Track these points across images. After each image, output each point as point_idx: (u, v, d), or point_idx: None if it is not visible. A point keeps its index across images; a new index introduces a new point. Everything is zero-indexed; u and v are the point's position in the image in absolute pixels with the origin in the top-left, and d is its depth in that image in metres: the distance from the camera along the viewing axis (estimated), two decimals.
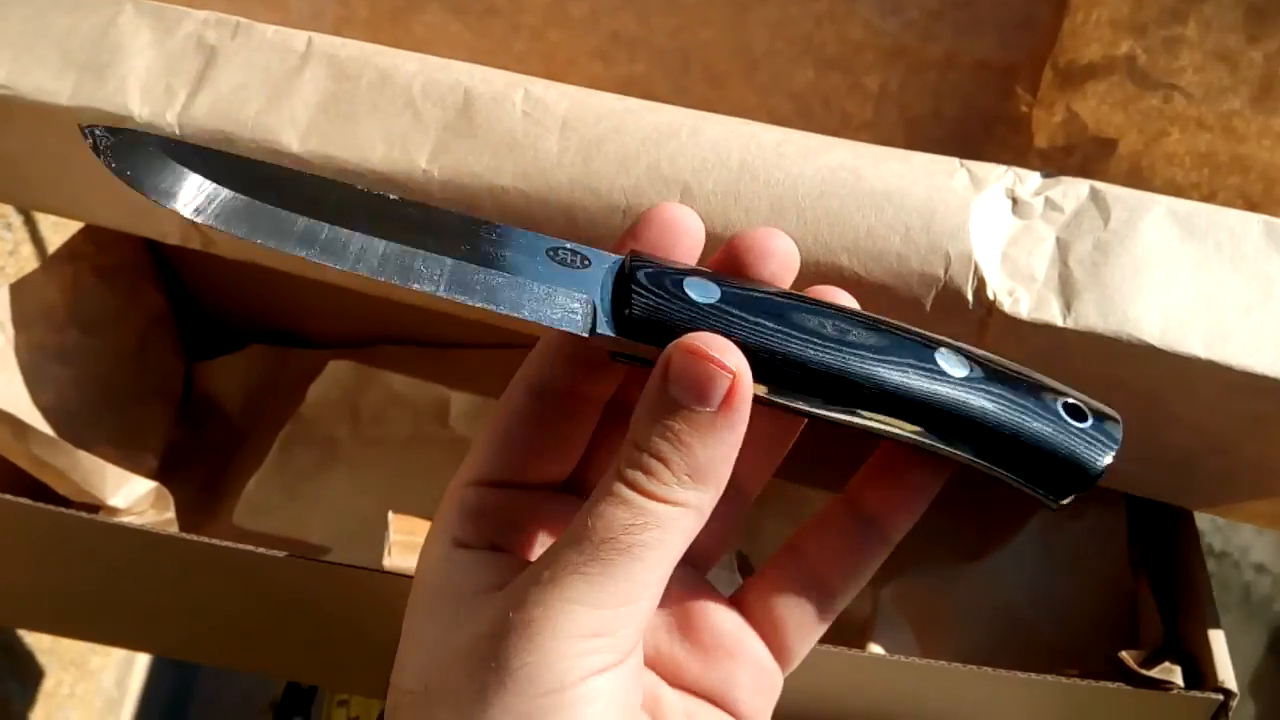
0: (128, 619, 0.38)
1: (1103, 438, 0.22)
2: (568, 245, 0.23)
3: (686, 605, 0.24)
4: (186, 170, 0.22)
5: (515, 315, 0.21)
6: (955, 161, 0.31)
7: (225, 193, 0.21)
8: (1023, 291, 0.29)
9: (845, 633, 0.40)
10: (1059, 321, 0.28)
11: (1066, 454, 0.21)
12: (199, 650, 0.40)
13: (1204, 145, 0.34)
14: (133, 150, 0.22)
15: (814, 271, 0.30)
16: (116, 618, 0.38)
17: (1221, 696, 0.29)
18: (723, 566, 0.38)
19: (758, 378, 0.21)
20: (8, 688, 0.87)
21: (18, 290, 0.38)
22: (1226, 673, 0.29)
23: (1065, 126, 0.36)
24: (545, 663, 0.19)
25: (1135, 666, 0.30)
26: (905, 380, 0.21)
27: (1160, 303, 0.28)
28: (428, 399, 0.44)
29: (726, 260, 0.24)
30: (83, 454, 0.34)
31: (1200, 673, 0.30)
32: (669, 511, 0.20)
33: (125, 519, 0.35)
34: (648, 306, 0.21)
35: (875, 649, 0.33)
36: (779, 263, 0.23)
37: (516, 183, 0.31)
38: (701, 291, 0.21)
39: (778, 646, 0.24)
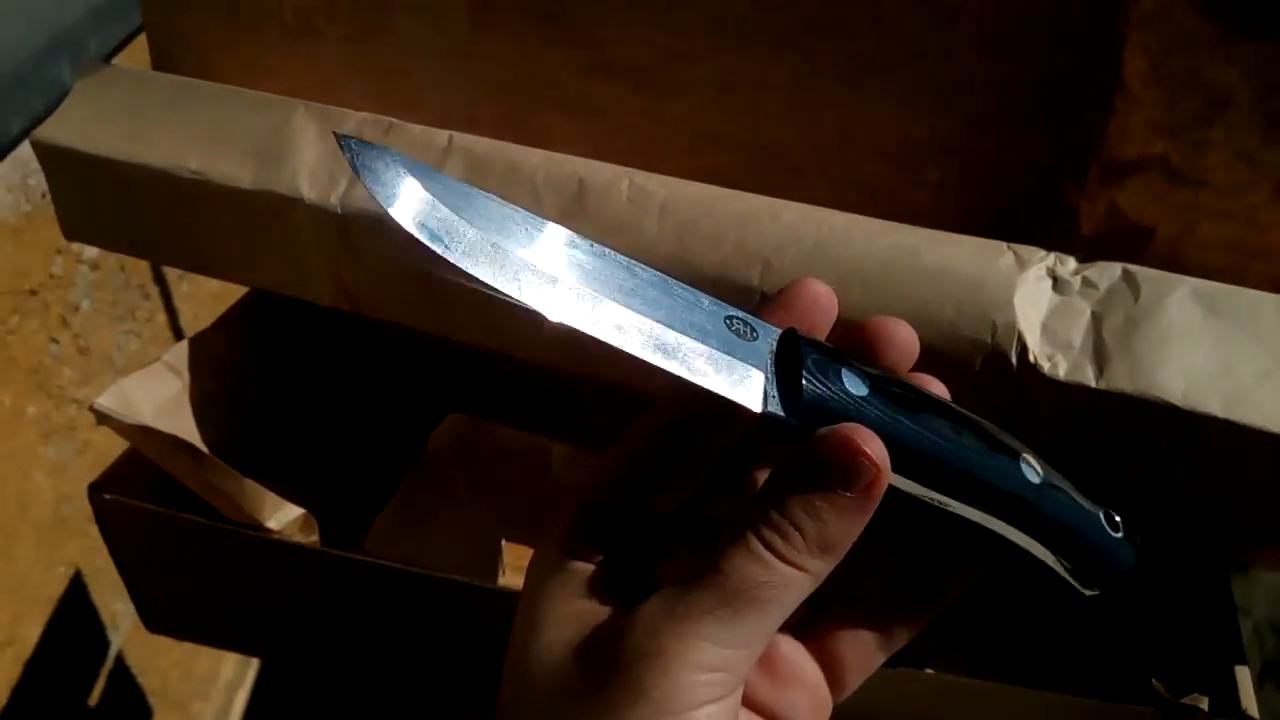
0: (271, 630, 0.43)
1: (1129, 546, 0.26)
2: (739, 315, 0.24)
3: None
4: (417, 181, 0.22)
5: (699, 383, 0.23)
6: (1003, 245, 0.35)
7: (447, 213, 0.22)
8: (1061, 357, 0.33)
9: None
10: (1092, 383, 0.32)
11: (1108, 560, 0.26)
12: (331, 663, 0.45)
13: (1231, 234, 0.37)
14: (375, 156, 0.22)
15: None
16: (261, 628, 0.43)
17: None
18: None
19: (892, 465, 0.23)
20: None
21: (195, 343, 0.45)
22: (1250, 703, 0.32)
23: (1108, 217, 0.40)
24: (674, 686, 0.21)
25: (1166, 694, 0.33)
26: (1000, 481, 0.25)
27: (1183, 369, 0.32)
28: (532, 448, 0.49)
29: (857, 341, 0.26)
30: (248, 481, 0.40)
31: (1226, 703, 0.33)
32: (795, 575, 0.22)
33: (280, 539, 0.41)
34: (815, 395, 0.23)
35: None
36: (900, 351, 0.26)
37: None
38: (855, 384, 0.24)
39: (834, 677, 0.26)
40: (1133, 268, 0.34)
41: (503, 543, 0.38)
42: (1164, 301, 0.33)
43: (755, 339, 0.24)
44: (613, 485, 0.26)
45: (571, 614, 0.24)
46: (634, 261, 0.24)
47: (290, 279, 0.43)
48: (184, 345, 0.44)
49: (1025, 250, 0.35)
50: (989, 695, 0.33)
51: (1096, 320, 0.33)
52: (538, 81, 0.42)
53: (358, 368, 0.54)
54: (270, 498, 0.40)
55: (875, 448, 0.22)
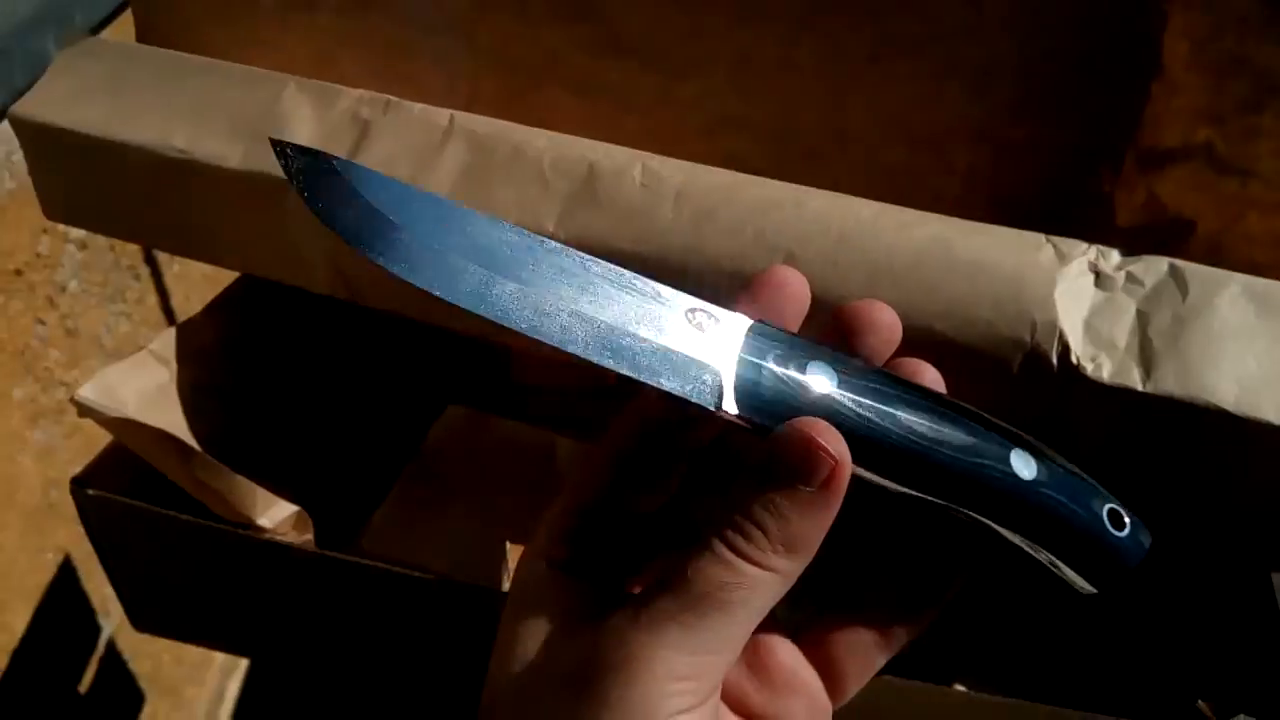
0: (260, 629, 0.41)
1: (1135, 544, 0.24)
2: (704, 307, 0.24)
3: (755, 639, 0.25)
4: (361, 196, 0.23)
5: (651, 383, 0.23)
6: (1041, 237, 0.33)
7: (385, 221, 0.23)
8: (1105, 358, 0.31)
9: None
10: (1139, 386, 0.30)
11: (1109, 557, 0.24)
12: (322, 663, 0.44)
13: None
14: (313, 168, 0.24)
15: (908, 336, 0.32)
16: (250, 628, 0.41)
17: None
18: None
19: (858, 460, 0.23)
20: (110, 713, 0.92)
21: (182, 331, 0.42)
22: None
23: (1146, 208, 0.38)
24: (640, 697, 0.21)
25: (1211, 715, 0.31)
26: (983, 477, 0.23)
27: (1235, 372, 0.30)
28: (535, 442, 0.47)
29: (834, 329, 0.25)
30: (239, 477, 0.38)
31: None
32: (762, 576, 0.22)
33: (272, 538, 0.39)
34: (776, 392, 0.23)
35: (959, 687, 0.35)
36: (881, 338, 0.25)
37: (635, 247, 0.35)
38: (819, 382, 0.23)
39: (832, 683, 0.26)
40: (1180, 263, 0.32)
41: (508, 545, 0.36)
42: (1214, 300, 0.31)
43: (718, 333, 0.24)
44: (594, 490, 0.25)
45: (550, 624, 0.23)
46: (588, 256, 0.24)
47: (284, 266, 0.41)
48: (171, 333, 0.42)
49: (1065, 243, 0.33)
50: (1018, 714, 0.32)
51: (1142, 319, 0.31)
52: (542, 58, 0.40)
53: (355, 357, 0.52)
54: (261, 494, 0.39)
55: (833, 441, 0.22)
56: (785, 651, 0.26)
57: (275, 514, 0.39)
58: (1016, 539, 0.24)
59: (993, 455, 0.24)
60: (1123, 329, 0.31)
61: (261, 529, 0.38)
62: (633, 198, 0.35)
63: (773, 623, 0.26)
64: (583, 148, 0.37)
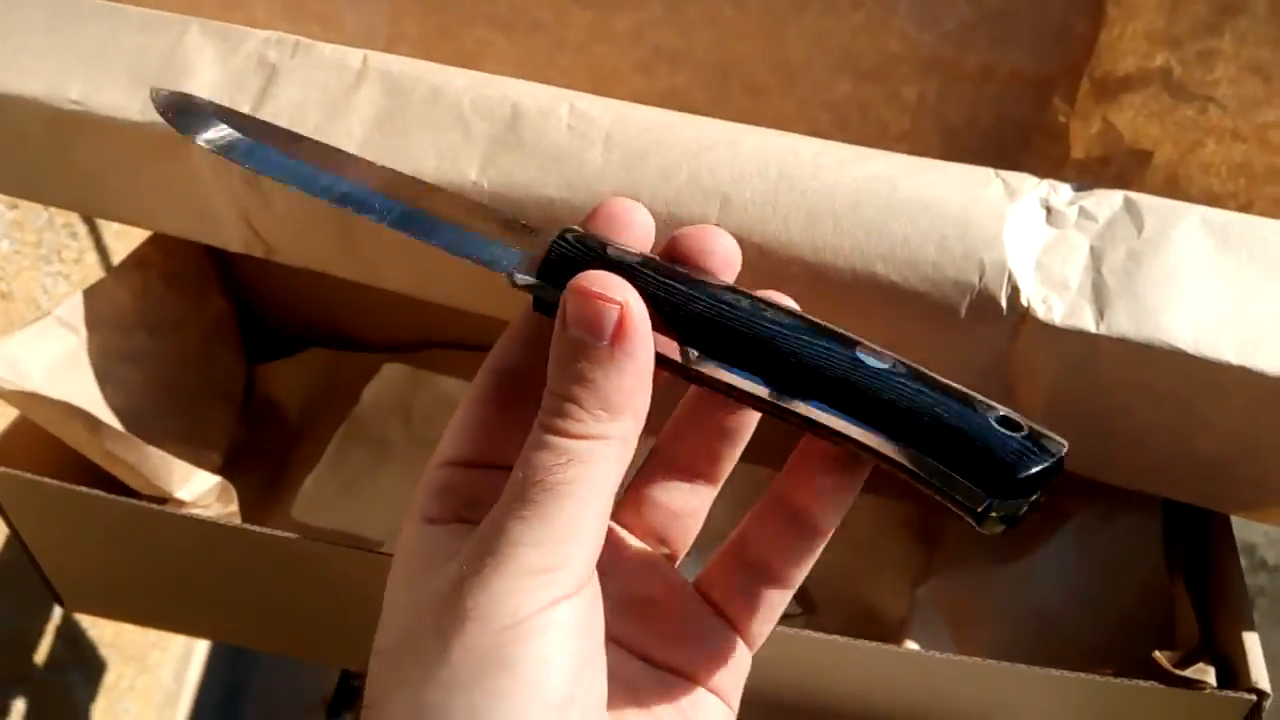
0: (192, 607, 0.40)
1: (1035, 449, 0.20)
2: (525, 222, 0.25)
3: (654, 590, 0.26)
4: (216, 119, 0.28)
5: (446, 250, 0.24)
6: (990, 172, 0.32)
7: (237, 135, 0.27)
8: (1056, 299, 0.29)
9: (884, 630, 0.41)
10: (1092, 328, 0.29)
11: (989, 449, 0.20)
12: (258, 638, 0.42)
13: (1240, 156, 0.34)
14: (183, 105, 0.28)
15: (850, 279, 0.30)
16: (181, 606, 0.40)
17: (1254, 697, 0.29)
18: None
19: (675, 334, 0.22)
20: (70, 679, 0.90)
21: (90, 295, 0.40)
22: (1260, 674, 0.30)
23: (1101, 137, 0.37)
24: (499, 599, 0.20)
25: (1169, 667, 0.30)
26: (822, 361, 0.22)
27: (1193, 310, 0.28)
28: None
29: (671, 256, 0.24)
30: (152, 449, 0.36)
31: (1234, 673, 0.30)
32: (588, 446, 0.21)
33: (191, 511, 0.37)
34: (564, 255, 0.23)
35: (911, 645, 0.34)
36: (719, 260, 0.24)
37: (562, 193, 0.33)
38: (622, 254, 0.23)
39: (738, 627, 0.25)
40: (1135, 196, 0.30)
41: None
42: (1171, 234, 0.29)
43: (533, 235, 0.25)
44: (459, 446, 0.25)
45: (429, 572, 0.22)
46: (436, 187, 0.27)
47: (193, 224, 0.38)
48: (78, 298, 0.40)
49: (1015, 178, 0.31)
50: (988, 672, 0.31)
51: (1096, 256, 0.30)
52: None
53: (278, 315, 0.50)
54: (179, 465, 0.37)
55: (614, 289, 0.21)
56: (686, 599, 0.26)
57: (195, 485, 0.37)
58: (880, 442, 0.21)
59: (835, 342, 0.22)
60: (1075, 267, 0.30)
61: (180, 502, 0.37)
62: (559, 140, 0.33)
63: (673, 572, 0.27)
64: (506, 87, 0.35)
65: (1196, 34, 0.33)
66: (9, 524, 0.39)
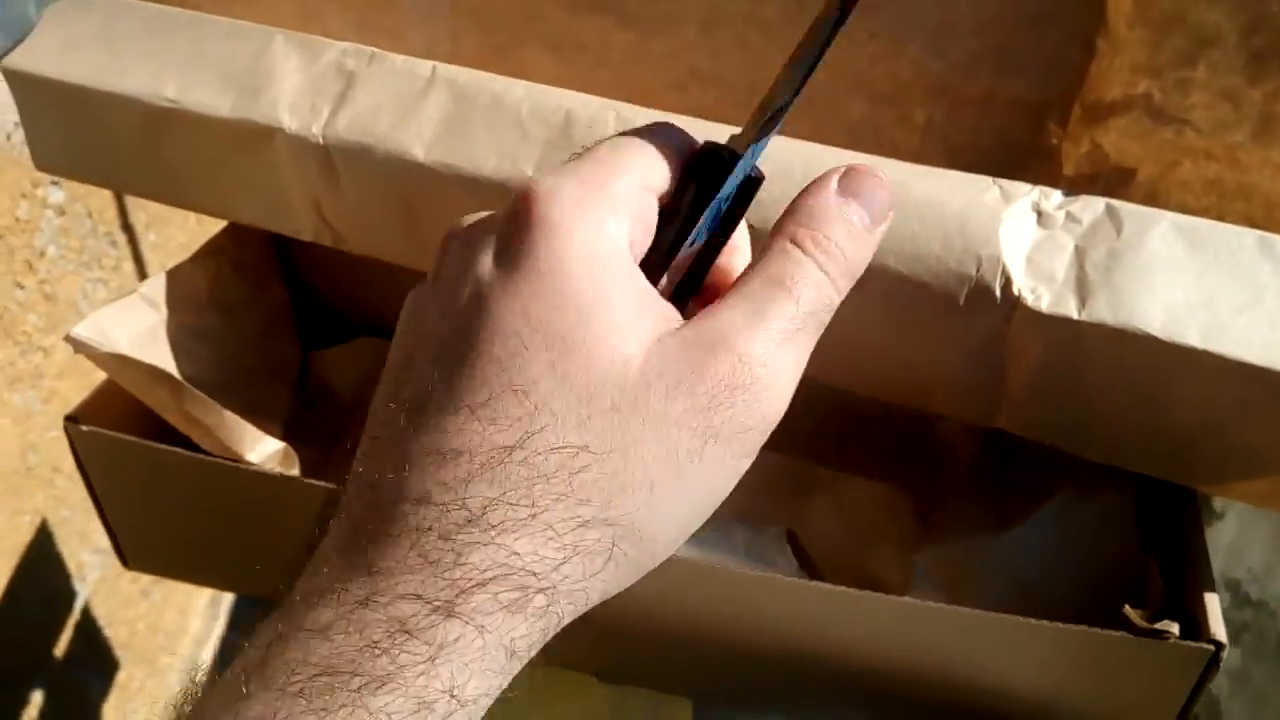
0: (252, 566, 0.43)
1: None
2: None
3: None
4: None
5: None
6: (989, 179, 0.36)
7: None
8: (1044, 290, 0.33)
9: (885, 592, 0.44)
10: (1074, 315, 0.33)
11: None
12: None
13: (1212, 174, 0.38)
14: None
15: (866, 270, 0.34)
16: (242, 565, 0.43)
17: (1213, 648, 0.33)
18: (771, 539, 0.43)
19: None
20: (85, 677, 0.92)
21: (172, 276, 0.44)
22: (1219, 628, 0.33)
23: (1090, 157, 0.40)
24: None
25: (1139, 621, 0.34)
26: None
27: (1164, 301, 0.32)
28: None
29: None
30: (227, 413, 0.40)
31: (1197, 629, 0.34)
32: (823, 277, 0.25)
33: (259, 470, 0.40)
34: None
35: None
36: None
37: None
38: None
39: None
40: (1116, 202, 0.34)
41: None
42: (1146, 235, 0.33)
43: None
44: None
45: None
46: None
47: (270, 213, 0.42)
48: (161, 278, 0.43)
49: (1010, 185, 0.35)
50: (976, 623, 0.34)
51: (1079, 254, 0.34)
52: (521, 16, 0.42)
53: (334, 303, 0.54)
54: (250, 430, 0.40)
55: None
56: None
57: (262, 449, 0.40)
58: None
59: None
60: (1061, 263, 0.33)
61: (249, 464, 0.40)
62: None
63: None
64: (559, 96, 0.39)
65: (1175, 64, 0.37)
66: (87, 482, 0.43)
